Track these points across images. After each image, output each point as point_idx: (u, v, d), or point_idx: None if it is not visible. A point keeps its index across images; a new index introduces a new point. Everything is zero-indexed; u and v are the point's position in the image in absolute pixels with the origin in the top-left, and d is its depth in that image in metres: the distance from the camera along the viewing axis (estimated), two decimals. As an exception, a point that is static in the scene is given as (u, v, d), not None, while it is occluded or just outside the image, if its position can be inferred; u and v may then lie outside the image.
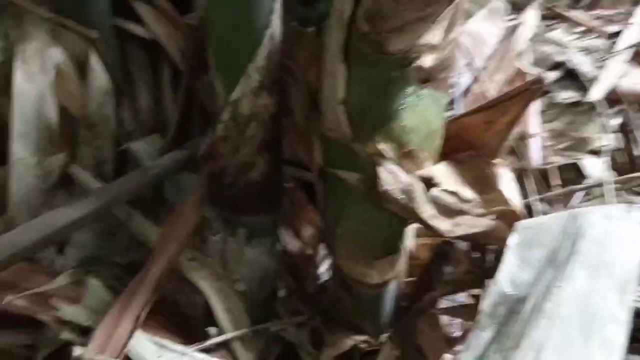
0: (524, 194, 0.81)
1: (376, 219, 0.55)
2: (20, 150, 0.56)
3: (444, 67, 0.51)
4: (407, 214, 0.52)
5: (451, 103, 0.97)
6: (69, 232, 0.52)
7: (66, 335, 0.44)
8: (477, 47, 1.07)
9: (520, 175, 0.81)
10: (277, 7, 0.51)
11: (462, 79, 0.99)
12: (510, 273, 0.43)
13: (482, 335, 0.39)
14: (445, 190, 0.54)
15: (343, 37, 0.47)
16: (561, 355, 0.33)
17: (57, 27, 0.59)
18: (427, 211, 0.53)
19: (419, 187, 0.52)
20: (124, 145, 0.63)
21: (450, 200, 0.54)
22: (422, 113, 0.51)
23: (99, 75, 0.61)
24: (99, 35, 0.61)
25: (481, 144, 0.59)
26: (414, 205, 0.52)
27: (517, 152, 0.88)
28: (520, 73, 1.03)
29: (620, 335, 0.35)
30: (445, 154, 0.57)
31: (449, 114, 0.98)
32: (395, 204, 0.51)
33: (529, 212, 0.80)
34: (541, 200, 0.78)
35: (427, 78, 0.50)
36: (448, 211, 0.57)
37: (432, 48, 0.47)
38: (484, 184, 0.58)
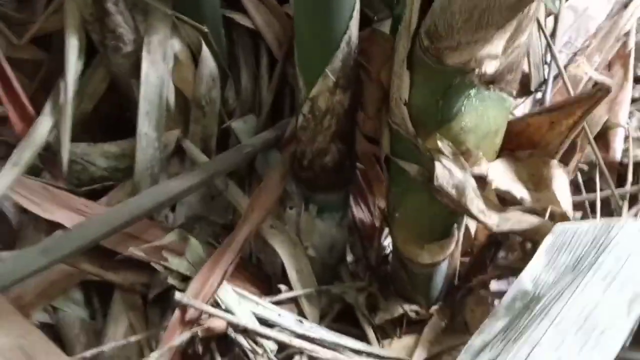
0: (600, 187, 0.81)
1: (430, 208, 0.61)
2: (144, 125, 0.69)
3: (508, 70, 0.54)
4: (457, 207, 0.58)
5: (542, 85, 0.97)
6: (180, 197, 0.65)
7: (171, 280, 0.57)
8: (581, 23, 1.03)
9: (599, 167, 0.81)
10: (356, 14, 0.57)
11: (556, 59, 0.97)
12: (535, 272, 0.47)
13: (495, 324, 0.44)
14: (497, 188, 0.58)
15: (408, 46, 0.52)
16: (553, 354, 0.38)
17: (176, 21, 0.70)
18: (476, 206, 0.58)
19: (470, 184, 0.57)
20: (226, 124, 0.74)
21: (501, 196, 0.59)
22: (482, 114, 0.55)
23: (209, 63, 0.72)
24: (209, 28, 0.71)
25: (543, 144, 0.62)
26: (463, 200, 0.57)
27: (600, 143, 0.87)
28: (621, 55, 0.98)
29: (617, 344, 0.39)
30: (508, 149, 0.61)
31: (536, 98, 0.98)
32: (447, 197, 0.57)
33: (604, 206, 0.80)
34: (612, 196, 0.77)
35: (491, 81, 0.54)
36: (497, 206, 0.61)
37: (494, 57, 0.51)
38: (539, 183, 0.61)
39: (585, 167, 0.86)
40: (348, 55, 0.58)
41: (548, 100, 0.94)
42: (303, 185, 0.67)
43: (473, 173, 0.57)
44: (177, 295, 0.52)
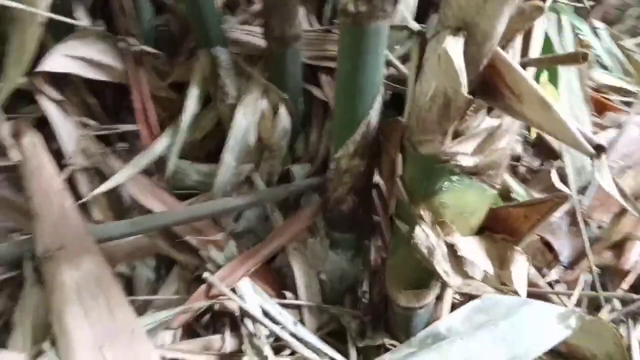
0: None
1: (411, 261, 0.75)
2: (228, 156, 0.92)
3: (490, 167, 0.67)
4: (427, 264, 0.71)
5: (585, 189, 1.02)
6: (236, 211, 0.86)
7: (210, 266, 0.78)
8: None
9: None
10: (377, 105, 0.74)
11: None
12: (452, 322, 0.60)
13: (406, 349, 0.58)
14: (463, 257, 0.70)
15: (399, 134, 0.69)
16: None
17: (266, 87, 0.94)
18: (442, 267, 0.70)
19: (441, 249, 0.70)
20: (287, 166, 0.95)
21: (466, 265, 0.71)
22: (461, 197, 0.68)
23: (284, 120, 0.94)
24: (290, 96, 0.94)
25: (517, 231, 0.73)
26: (431, 260, 0.70)
27: (615, 250, 0.92)
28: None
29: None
30: (489, 229, 0.73)
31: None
32: (420, 255, 0.71)
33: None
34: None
35: (473, 172, 0.68)
36: (464, 273, 0.73)
37: (464, 155, 0.65)
38: (503, 262, 0.72)
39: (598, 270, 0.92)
40: (366, 133, 0.76)
41: (586, 202, 1.00)
42: (326, 222, 0.85)
43: (445, 241, 0.70)
44: (206, 274, 0.73)
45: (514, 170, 1.06)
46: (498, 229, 0.74)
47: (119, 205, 0.89)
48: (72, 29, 0.91)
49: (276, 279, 0.83)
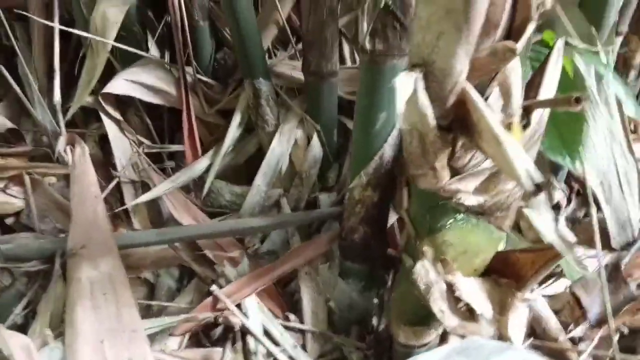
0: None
1: (412, 296, 0.73)
2: (259, 180, 0.97)
3: (497, 208, 0.66)
4: (424, 301, 0.70)
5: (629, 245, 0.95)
6: (259, 232, 0.90)
7: (221, 281, 0.82)
8: None
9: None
10: (391, 140, 0.75)
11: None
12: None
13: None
14: (459, 298, 0.68)
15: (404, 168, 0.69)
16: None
17: (303, 118, 0.98)
18: (438, 306, 0.69)
19: (439, 287, 0.69)
20: (315, 194, 0.98)
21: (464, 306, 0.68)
22: (465, 236, 0.67)
23: (315, 149, 0.97)
24: (323, 127, 0.97)
25: (522, 277, 0.70)
26: (428, 297, 0.68)
27: None
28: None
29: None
30: (495, 272, 0.71)
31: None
32: (418, 291, 0.70)
33: None
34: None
35: (480, 212, 0.66)
36: (462, 314, 0.70)
37: (466, 193, 0.64)
38: (503, 308, 0.69)
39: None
40: (380, 165, 0.76)
41: (627, 259, 0.93)
42: (340, 251, 0.86)
43: (445, 279, 0.69)
44: (214, 287, 0.77)
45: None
46: (505, 274, 0.71)
47: (159, 218, 0.96)
48: (139, 57, 1.02)
49: (287, 301, 0.85)
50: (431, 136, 0.50)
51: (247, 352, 0.76)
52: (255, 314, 0.78)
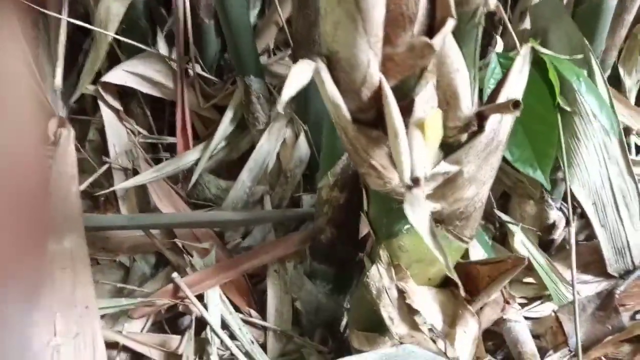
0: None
1: (365, 302, 0.70)
2: (245, 175, 0.97)
3: (457, 217, 0.63)
4: (374, 306, 0.67)
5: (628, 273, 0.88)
6: (233, 225, 0.90)
7: (188, 270, 0.82)
8: None
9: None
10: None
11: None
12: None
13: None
14: (410, 306, 0.65)
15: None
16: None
17: (292, 117, 0.97)
18: (387, 312, 0.66)
19: (391, 293, 0.66)
20: (299, 194, 0.97)
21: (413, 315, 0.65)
22: (419, 243, 0.63)
23: (302, 148, 0.96)
24: (310, 127, 0.96)
25: (480, 290, 0.66)
26: (378, 302, 0.66)
27: None
28: None
29: None
30: (452, 283, 0.67)
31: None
32: (370, 296, 0.67)
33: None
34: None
35: (439, 220, 0.63)
36: (412, 323, 0.67)
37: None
38: (453, 320, 0.65)
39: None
40: (347, 166, 0.75)
41: (623, 288, 0.86)
42: (309, 251, 0.84)
43: (397, 285, 0.66)
44: (175, 274, 0.77)
45: (547, 240, 0.95)
46: (465, 285, 0.67)
47: (147, 206, 0.98)
48: (143, 50, 1.05)
49: (258, 299, 0.84)
50: (351, 130, 0.48)
51: (203, 343, 0.75)
52: (215, 305, 0.78)
